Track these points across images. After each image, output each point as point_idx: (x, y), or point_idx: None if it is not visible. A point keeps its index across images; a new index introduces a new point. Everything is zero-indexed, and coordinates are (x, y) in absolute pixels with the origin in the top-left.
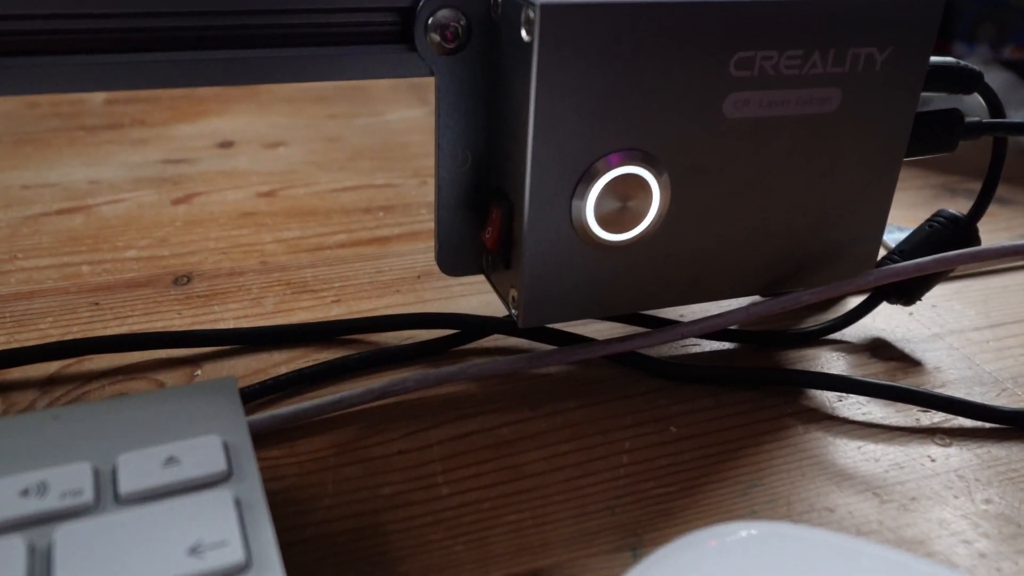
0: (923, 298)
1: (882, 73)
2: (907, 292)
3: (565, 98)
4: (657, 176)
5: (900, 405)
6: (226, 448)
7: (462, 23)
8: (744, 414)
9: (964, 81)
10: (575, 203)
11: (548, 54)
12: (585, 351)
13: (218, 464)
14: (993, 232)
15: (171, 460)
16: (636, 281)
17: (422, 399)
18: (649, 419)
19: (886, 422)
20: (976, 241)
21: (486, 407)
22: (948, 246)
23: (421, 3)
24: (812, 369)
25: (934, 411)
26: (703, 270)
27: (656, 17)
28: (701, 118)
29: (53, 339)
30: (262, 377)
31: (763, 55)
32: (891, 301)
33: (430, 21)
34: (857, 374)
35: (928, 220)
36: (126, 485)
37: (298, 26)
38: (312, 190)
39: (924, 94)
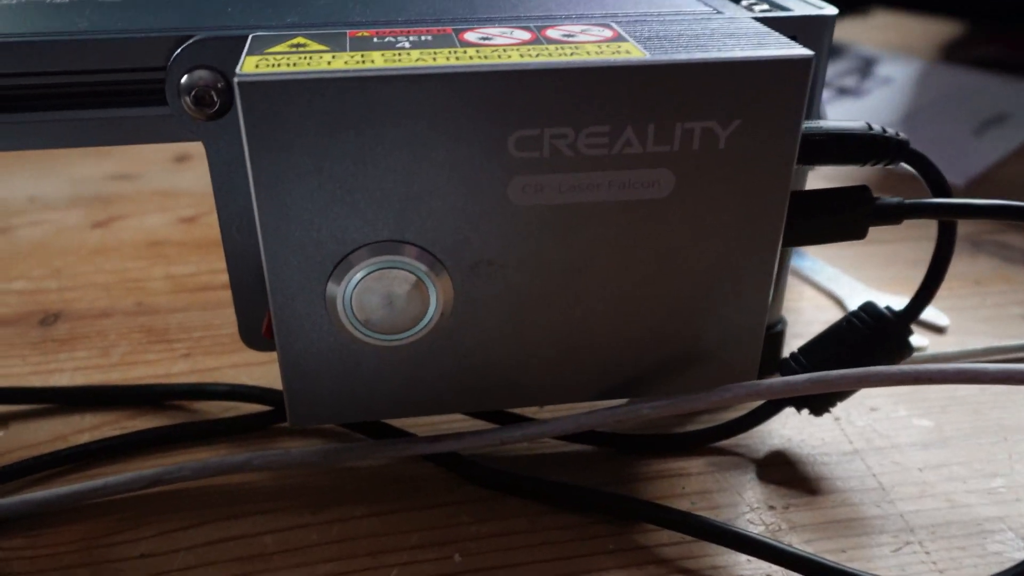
0: (859, 399)
1: (729, 151)
2: (812, 401)
3: (294, 182)
4: (431, 270)
5: (749, 555)
6: None
7: (220, 85)
8: (556, 545)
9: (879, 151)
10: (330, 301)
11: (261, 140)
12: (389, 449)
13: None
14: (1002, 307)
15: None
16: (429, 382)
17: (201, 488)
18: (438, 540)
19: (719, 575)
20: (903, 350)
21: (265, 505)
22: (866, 353)
23: (171, 62)
24: (674, 488)
25: (787, 569)
26: (518, 373)
27: (392, 91)
28: (480, 206)
29: None
30: (61, 445)
31: (553, 133)
32: (797, 408)
33: (183, 82)
34: (722, 502)
35: (851, 313)
36: None
37: (49, 87)
38: None
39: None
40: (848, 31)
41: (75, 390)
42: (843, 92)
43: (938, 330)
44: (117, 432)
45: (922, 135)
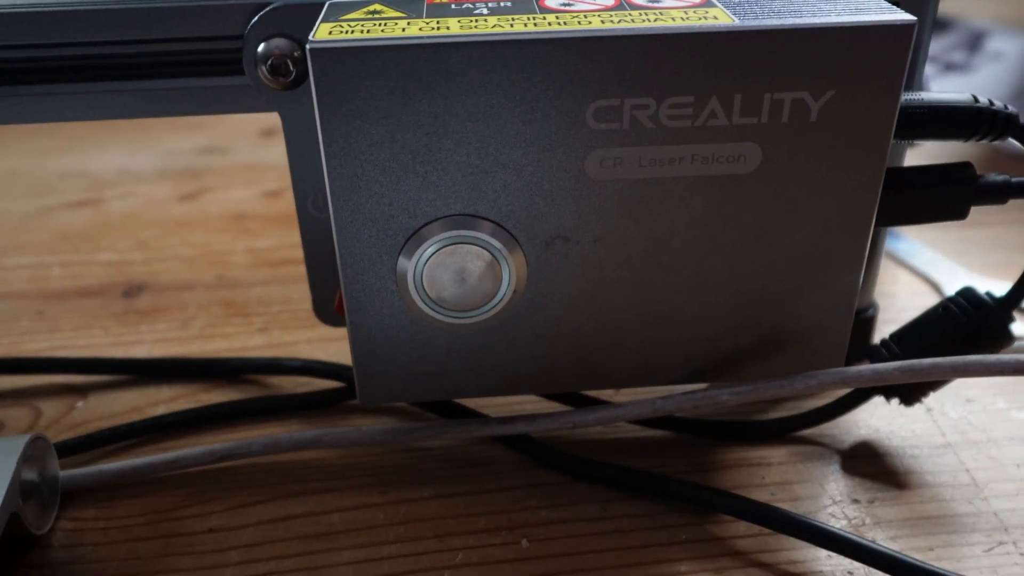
0: (954, 389)
1: (821, 124)
2: (903, 390)
3: (366, 152)
4: (505, 246)
5: (830, 551)
6: None
7: (297, 54)
8: (626, 533)
9: (984, 126)
10: (401, 276)
11: (332, 108)
12: (460, 430)
13: None
14: None
15: None
16: (501, 362)
17: (271, 463)
18: (506, 524)
19: (798, 570)
20: (1003, 338)
21: (333, 483)
22: (962, 342)
23: (248, 30)
24: (753, 478)
25: (870, 567)
26: (593, 354)
27: (466, 59)
28: (556, 180)
29: None
30: (137, 416)
31: (634, 104)
32: (887, 397)
33: (259, 51)
34: (804, 494)
35: (948, 298)
36: None
37: (129, 56)
38: None
39: None
40: (957, 4)
41: (153, 362)
42: (950, 68)
43: None
44: (192, 405)
45: None
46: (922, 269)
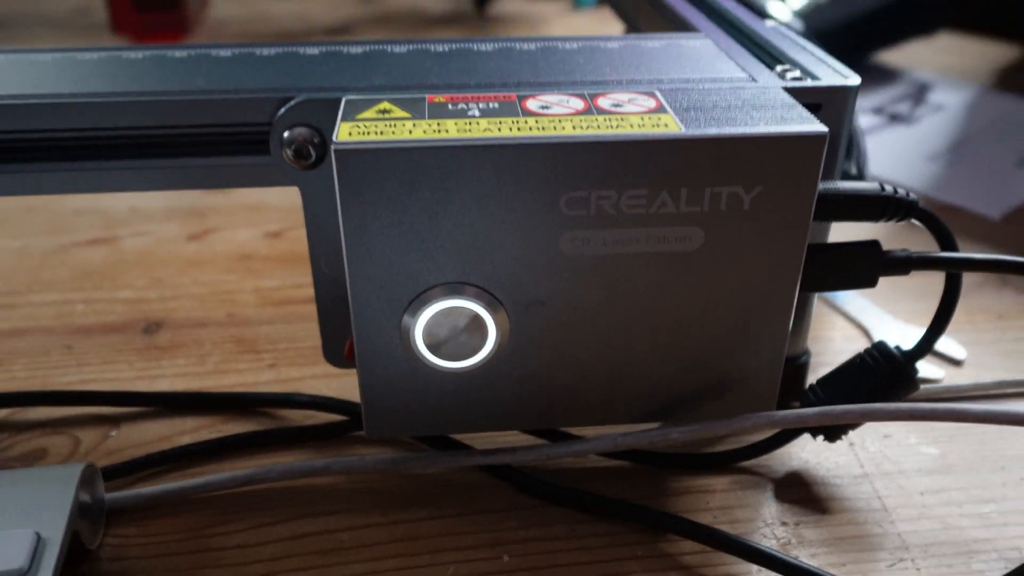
0: (874, 427)
1: (753, 212)
2: (826, 428)
3: (378, 232)
4: (491, 309)
5: (760, 566)
6: (37, 542)
7: (316, 140)
8: (590, 550)
9: (890, 211)
10: (405, 331)
11: (351, 196)
12: (451, 459)
13: (18, 560)
14: (1023, 342)
15: None
16: (488, 403)
17: (286, 488)
18: (490, 542)
19: None
20: (909, 386)
21: (341, 506)
22: (876, 388)
23: (275, 120)
24: (699, 503)
25: None
26: (564, 397)
27: (463, 158)
28: (534, 255)
29: (17, 382)
30: (166, 445)
31: (599, 195)
32: (813, 434)
33: (285, 136)
34: (742, 517)
35: (865, 351)
36: None
37: (169, 137)
38: None
39: None
40: (908, 54)
41: (177, 395)
42: (894, 119)
43: (955, 363)
44: (214, 435)
45: (967, 165)
46: (855, 316)
